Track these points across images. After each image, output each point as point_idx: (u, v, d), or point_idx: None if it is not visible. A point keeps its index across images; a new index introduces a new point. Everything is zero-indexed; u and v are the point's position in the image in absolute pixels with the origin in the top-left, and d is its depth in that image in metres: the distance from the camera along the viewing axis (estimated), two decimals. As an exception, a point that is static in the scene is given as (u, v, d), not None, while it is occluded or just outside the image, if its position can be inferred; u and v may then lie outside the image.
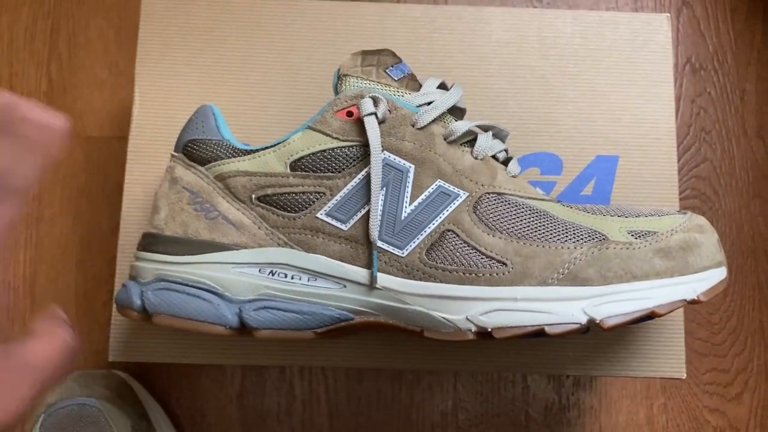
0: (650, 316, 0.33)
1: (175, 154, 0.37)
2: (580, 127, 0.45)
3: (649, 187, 0.44)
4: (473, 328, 0.33)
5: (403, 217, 0.34)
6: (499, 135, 0.38)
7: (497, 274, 0.33)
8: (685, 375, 0.43)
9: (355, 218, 0.34)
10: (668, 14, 0.47)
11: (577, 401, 0.54)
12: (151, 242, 0.35)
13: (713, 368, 0.55)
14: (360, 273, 0.34)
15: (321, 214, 0.35)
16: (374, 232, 0.34)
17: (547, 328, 0.32)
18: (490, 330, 0.32)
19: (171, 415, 0.52)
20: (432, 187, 0.34)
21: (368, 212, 0.34)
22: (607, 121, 0.45)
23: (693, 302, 0.33)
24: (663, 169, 0.45)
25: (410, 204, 0.34)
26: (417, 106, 0.36)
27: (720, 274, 0.35)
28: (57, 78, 0.58)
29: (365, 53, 0.37)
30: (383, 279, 0.34)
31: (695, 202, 0.57)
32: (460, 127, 0.35)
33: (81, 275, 0.55)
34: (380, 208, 0.34)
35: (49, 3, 0.59)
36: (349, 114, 0.35)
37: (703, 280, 0.33)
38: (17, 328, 0.54)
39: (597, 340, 0.43)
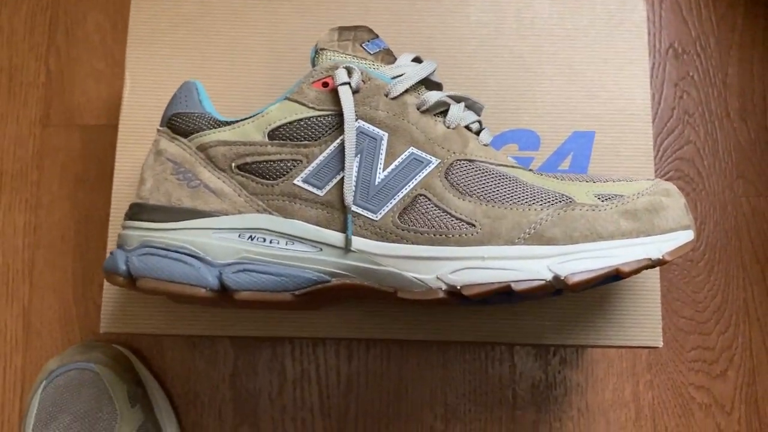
0: (616, 275, 0.34)
1: (161, 128, 0.38)
2: (557, 104, 0.46)
3: (625, 161, 0.45)
4: (443, 287, 0.34)
5: (376, 183, 0.35)
6: (473, 107, 0.39)
7: (466, 234, 0.34)
8: (662, 343, 0.43)
9: (331, 184, 0.36)
10: (643, -6, 0.48)
11: (564, 379, 0.55)
12: (136, 211, 0.37)
13: (698, 346, 0.56)
14: (335, 236, 0.35)
15: (298, 181, 0.36)
16: (349, 197, 0.35)
17: (513, 285, 0.33)
18: (459, 287, 0.33)
19: (165, 393, 0.54)
20: (405, 154, 0.36)
21: (343, 178, 0.35)
22: (583, 98, 0.46)
23: (659, 263, 0.34)
24: (639, 144, 0.46)
25: (383, 170, 0.36)
26: (391, 78, 0.37)
27: (686, 236, 0.35)
28: (55, 69, 0.59)
29: (342, 29, 0.38)
30: (358, 242, 0.35)
31: (679, 183, 0.58)
32: (432, 96, 0.37)
33: (78, 259, 0.56)
34: (354, 174, 0.35)
35: (48, -3, 0.61)
36: (325, 85, 0.36)
37: (669, 241, 0.34)
38: (16, 311, 0.55)
39: (575, 311, 0.44)
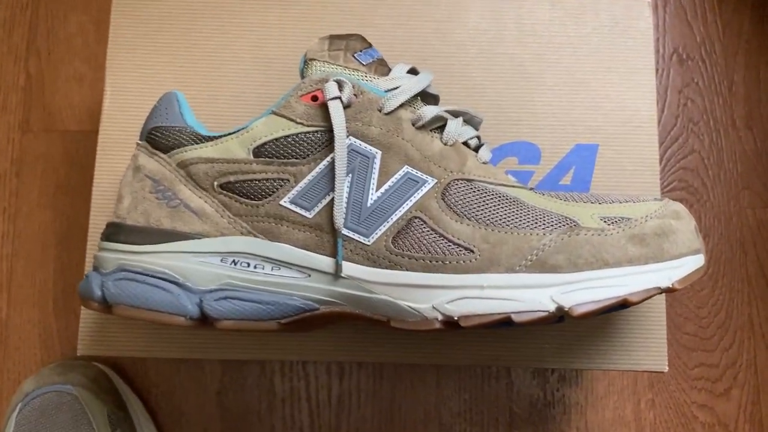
0: (623, 304, 0.32)
1: (140, 142, 0.36)
2: (559, 116, 0.44)
3: (629, 176, 0.43)
4: (439, 317, 0.32)
5: (369, 204, 0.33)
6: (471, 122, 0.37)
7: (464, 261, 0.32)
8: (667, 368, 0.42)
9: (320, 206, 0.33)
10: (649, 0, 0.46)
11: (563, 397, 0.53)
12: (113, 232, 0.35)
13: (701, 363, 0.54)
14: (325, 262, 0.33)
15: (285, 202, 0.34)
16: (339, 220, 0.33)
17: (513, 316, 0.31)
18: (456, 318, 0.31)
19: (149, 412, 0.52)
20: (399, 173, 0.34)
21: (333, 199, 0.33)
22: (586, 109, 0.44)
23: (668, 290, 0.32)
24: (644, 158, 0.44)
25: (376, 191, 0.33)
26: (385, 91, 0.35)
27: (696, 261, 0.34)
28: (35, 73, 0.57)
29: (333, 37, 0.36)
30: (348, 268, 0.33)
31: (683, 194, 0.56)
32: (428, 112, 0.35)
33: (59, 270, 0.54)
34: (345, 195, 0.33)
35: (28, -4, 0.58)
36: (314, 98, 0.34)
37: (679, 267, 0.32)
38: (-6, 324, 0.53)
39: (577, 332, 0.42)
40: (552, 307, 0.31)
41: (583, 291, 0.31)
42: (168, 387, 0.52)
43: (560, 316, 0.33)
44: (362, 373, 0.52)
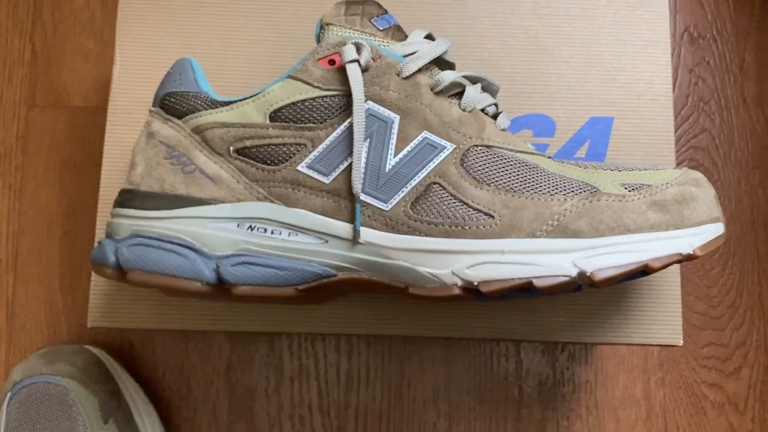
0: (644, 271, 0.31)
1: (153, 108, 0.36)
2: (574, 88, 0.44)
3: (644, 148, 0.43)
4: (459, 283, 0.31)
5: (387, 170, 0.33)
6: (489, 89, 0.37)
7: (484, 226, 0.32)
8: (682, 342, 0.41)
9: (338, 171, 0.33)
10: (665, -27, 0.46)
11: (572, 375, 0.52)
12: (127, 198, 0.34)
13: (711, 342, 0.54)
14: (342, 227, 0.33)
15: (302, 167, 0.33)
16: (357, 185, 0.32)
17: (535, 281, 0.30)
18: (476, 284, 0.31)
19: (156, 390, 0.51)
20: (417, 138, 0.33)
21: (351, 164, 0.33)
22: (601, 81, 0.44)
23: (689, 257, 0.32)
24: (659, 131, 0.43)
25: (395, 156, 0.33)
26: (403, 56, 0.35)
27: (717, 229, 0.33)
28: (41, 48, 0.56)
29: (349, 2, 0.35)
30: (366, 233, 0.33)
31: (693, 173, 0.56)
32: (447, 77, 0.34)
33: (65, 248, 0.53)
34: (363, 160, 0.33)
35: (33, -29, 0.58)
36: (332, 62, 0.34)
37: (699, 234, 0.32)
38: (0, 303, 0.53)
39: (591, 305, 0.41)
40: (574, 272, 0.30)
41: (605, 256, 0.31)
42: (176, 364, 0.52)
43: (579, 284, 0.33)
44: (371, 350, 0.52)
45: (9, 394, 0.43)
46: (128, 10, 0.44)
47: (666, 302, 0.41)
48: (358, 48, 0.33)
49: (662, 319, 0.41)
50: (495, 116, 0.36)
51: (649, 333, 0.41)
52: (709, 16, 0.58)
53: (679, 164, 0.56)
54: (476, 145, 0.34)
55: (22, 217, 0.54)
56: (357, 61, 0.33)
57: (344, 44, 0.34)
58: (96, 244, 0.39)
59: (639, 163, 0.43)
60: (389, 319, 0.41)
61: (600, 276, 0.30)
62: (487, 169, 0.33)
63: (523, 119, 0.43)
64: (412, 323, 0.41)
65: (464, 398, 0.52)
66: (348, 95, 0.33)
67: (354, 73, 0.32)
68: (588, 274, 0.30)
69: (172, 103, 0.35)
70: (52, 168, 0.54)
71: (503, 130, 0.35)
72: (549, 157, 0.35)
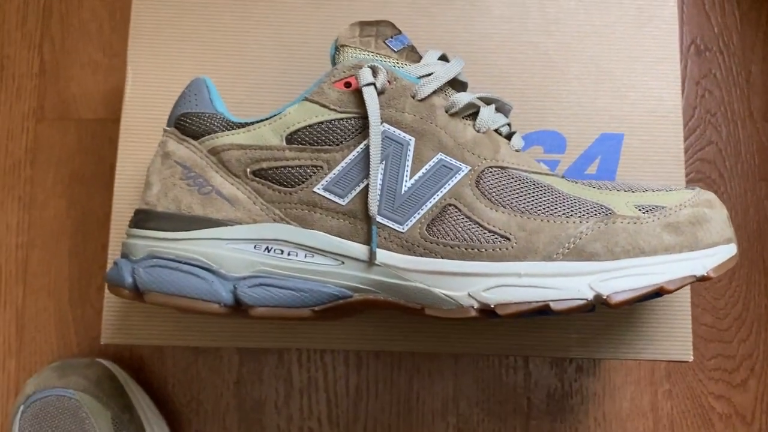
0: (659, 292, 0.32)
1: (168, 128, 0.36)
2: (584, 105, 0.44)
3: (655, 165, 0.43)
4: (476, 305, 0.32)
5: (402, 192, 0.33)
6: (502, 109, 0.37)
7: (500, 249, 0.32)
8: (692, 357, 0.42)
9: (354, 193, 0.33)
10: (674, -11, 0.46)
11: (580, 387, 0.53)
12: (143, 218, 0.34)
13: (718, 354, 0.54)
14: (359, 249, 0.33)
15: (318, 189, 0.33)
16: (373, 207, 0.32)
17: (552, 304, 0.30)
18: (492, 306, 0.31)
19: (166, 403, 0.51)
20: (433, 160, 0.33)
21: (367, 186, 0.33)
22: (611, 98, 0.44)
23: (702, 279, 0.32)
24: (669, 147, 0.44)
25: (410, 178, 0.33)
26: (417, 78, 0.35)
27: (730, 250, 0.33)
28: (50, 60, 0.56)
29: (363, 24, 0.35)
30: (383, 255, 0.33)
31: (700, 185, 0.56)
32: (462, 98, 0.34)
33: (75, 260, 0.54)
34: (379, 182, 0.33)
35: (42, -17, 0.58)
36: (347, 85, 0.34)
37: (713, 256, 0.32)
38: (9, 315, 0.53)
39: (601, 321, 0.42)
40: (590, 295, 0.31)
41: (621, 279, 0.31)
42: (185, 377, 0.52)
43: (593, 305, 0.33)
44: (380, 363, 0.52)
45: (22, 408, 0.43)
46: (140, 27, 0.45)
47: (676, 318, 0.42)
48: (374, 71, 0.34)
49: (672, 335, 0.42)
50: (509, 136, 0.36)
51: (660, 349, 0.42)
52: (715, 28, 0.58)
53: (686, 176, 0.56)
54: (491, 167, 0.34)
55: (32, 229, 0.54)
56: (373, 84, 0.33)
57: (360, 67, 0.34)
58: (111, 265, 0.39)
59: (649, 179, 0.43)
60: (400, 335, 0.41)
61: (616, 299, 0.30)
62: (502, 191, 0.33)
63: (533, 136, 0.43)
64: (424, 339, 0.41)
65: (473, 410, 0.52)
66: (364, 117, 0.33)
67: (370, 96, 0.33)
68: (604, 297, 0.31)
69: (188, 123, 0.35)
70: (61, 180, 0.55)
71: (517, 150, 0.35)
72: (562, 177, 0.35)
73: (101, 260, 0.53)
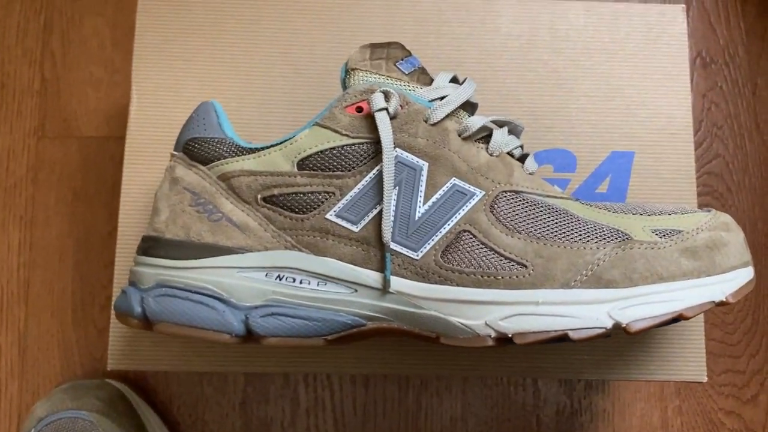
0: (677, 318, 0.31)
1: (176, 153, 0.35)
2: (594, 123, 0.43)
3: (666, 183, 0.43)
4: (493, 334, 0.31)
5: (416, 218, 0.32)
6: (514, 131, 0.36)
7: (517, 276, 0.31)
8: (706, 378, 0.41)
9: (367, 219, 0.33)
10: (683, 5, 0.45)
11: (590, 405, 0.52)
12: (151, 246, 0.34)
13: (728, 369, 0.54)
14: (372, 276, 0.32)
15: (330, 215, 0.33)
16: (387, 234, 0.32)
17: (571, 333, 0.30)
18: (510, 336, 0.31)
19: (172, 423, 0.51)
20: (446, 185, 0.33)
21: (380, 213, 0.32)
22: (621, 116, 0.44)
23: (721, 304, 0.32)
24: (680, 165, 0.43)
25: (424, 204, 0.33)
26: (429, 101, 0.34)
27: (747, 274, 0.33)
28: (51, 77, 0.56)
29: (374, 46, 0.35)
30: (397, 282, 0.32)
31: (708, 199, 0.56)
32: (475, 122, 0.34)
33: (77, 280, 0.53)
34: (393, 208, 0.32)
35: (42, -1, 0.57)
36: (359, 109, 0.33)
37: (731, 281, 0.32)
38: (11, 335, 0.52)
39: (614, 342, 0.41)
40: (609, 324, 0.30)
41: (640, 307, 0.30)
42: (191, 398, 0.51)
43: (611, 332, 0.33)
44: (387, 382, 0.52)
45: (33, 431, 0.43)
46: (145, 45, 0.44)
47: (689, 338, 0.41)
48: (387, 96, 0.33)
49: (685, 356, 0.41)
50: (522, 158, 0.36)
51: (673, 369, 0.41)
52: (721, 41, 0.58)
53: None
54: (505, 191, 0.33)
55: (34, 248, 0.53)
56: (386, 109, 0.33)
57: (372, 92, 0.33)
58: (118, 292, 0.38)
59: (660, 198, 0.43)
60: (409, 358, 0.41)
61: (635, 327, 0.30)
62: (517, 216, 0.33)
63: (543, 154, 0.43)
64: (432, 362, 0.41)
65: (482, 428, 0.52)
66: (376, 142, 0.33)
67: (383, 122, 0.32)
68: (623, 325, 0.30)
69: (197, 148, 0.34)
70: (63, 199, 0.54)
71: (531, 174, 0.35)
72: (576, 200, 0.35)
73: (104, 280, 0.53)
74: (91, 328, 0.52)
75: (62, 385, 0.46)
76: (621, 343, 0.41)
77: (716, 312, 0.54)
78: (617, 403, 0.53)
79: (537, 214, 0.33)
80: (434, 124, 0.34)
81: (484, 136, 0.35)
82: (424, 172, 0.33)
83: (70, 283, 0.53)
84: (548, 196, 0.34)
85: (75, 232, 0.54)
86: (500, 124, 0.36)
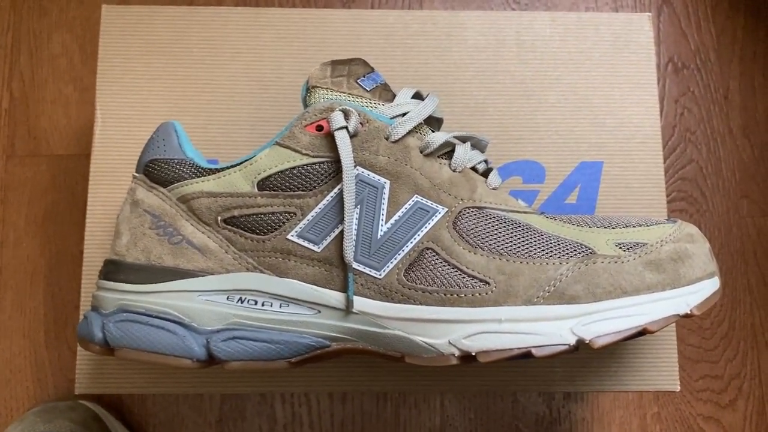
0: (641, 333, 0.31)
1: (137, 175, 0.35)
2: (563, 133, 0.43)
3: (635, 192, 0.43)
4: (456, 353, 0.31)
5: (379, 236, 0.32)
6: (478, 145, 0.36)
7: (480, 294, 0.31)
8: (679, 387, 0.41)
9: (329, 239, 0.32)
10: (649, 14, 0.45)
11: (569, 414, 0.52)
12: (112, 270, 0.33)
13: (706, 375, 0.54)
14: (335, 297, 0.32)
15: (292, 236, 0.32)
16: (349, 253, 0.32)
17: (534, 351, 0.30)
18: (474, 354, 0.30)
19: (147, 445, 0.50)
20: (409, 203, 0.33)
21: (342, 232, 0.32)
22: (589, 125, 0.43)
23: (686, 316, 0.32)
24: (649, 174, 0.43)
25: (386, 222, 0.32)
26: (391, 118, 0.34)
27: (712, 285, 0.33)
28: (19, 95, 0.55)
29: (335, 63, 0.35)
30: (360, 303, 0.32)
31: (682, 204, 0.56)
32: (436, 138, 0.34)
33: (49, 300, 0.52)
34: (354, 227, 0.32)
35: (9, 16, 0.57)
36: (319, 128, 0.33)
37: (696, 293, 0.32)
38: (-17, 358, 0.51)
39: (587, 355, 0.41)
40: (572, 340, 0.30)
41: (603, 322, 0.30)
42: (167, 417, 0.51)
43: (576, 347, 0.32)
44: (365, 396, 0.51)
45: None
46: (108, 64, 0.44)
47: (662, 348, 0.41)
48: (346, 114, 0.33)
49: (658, 365, 0.41)
50: (485, 173, 0.35)
51: (646, 380, 0.41)
52: (692, 45, 0.58)
53: (668, 196, 0.56)
54: (468, 207, 0.33)
55: (4, 269, 0.53)
56: (345, 127, 0.32)
57: (332, 110, 0.33)
58: (82, 317, 0.38)
59: (630, 207, 0.43)
60: (384, 374, 0.40)
61: (599, 343, 0.30)
62: (480, 232, 0.32)
63: (512, 166, 0.43)
64: (408, 379, 0.40)
65: (461, 441, 0.51)
66: (337, 161, 0.33)
67: (343, 140, 0.32)
68: (587, 341, 0.30)
69: (157, 170, 0.34)
70: (33, 218, 0.53)
71: (494, 189, 0.34)
72: (541, 214, 0.35)
73: (76, 300, 0.52)
74: (64, 349, 0.52)
75: (34, 408, 0.46)
76: (593, 355, 0.41)
77: (692, 318, 0.54)
78: (596, 412, 0.52)
79: (499, 230, 0.33)
80: (395, 142, 0.33)
81: (447, 151, 0.35)
82: (386, 190, 0.32)
83: (42, 304, 0.52)
84: (511, 211, 0.34)
85: (47, 252, 0.53)
86: (463, 140, 0.35)
